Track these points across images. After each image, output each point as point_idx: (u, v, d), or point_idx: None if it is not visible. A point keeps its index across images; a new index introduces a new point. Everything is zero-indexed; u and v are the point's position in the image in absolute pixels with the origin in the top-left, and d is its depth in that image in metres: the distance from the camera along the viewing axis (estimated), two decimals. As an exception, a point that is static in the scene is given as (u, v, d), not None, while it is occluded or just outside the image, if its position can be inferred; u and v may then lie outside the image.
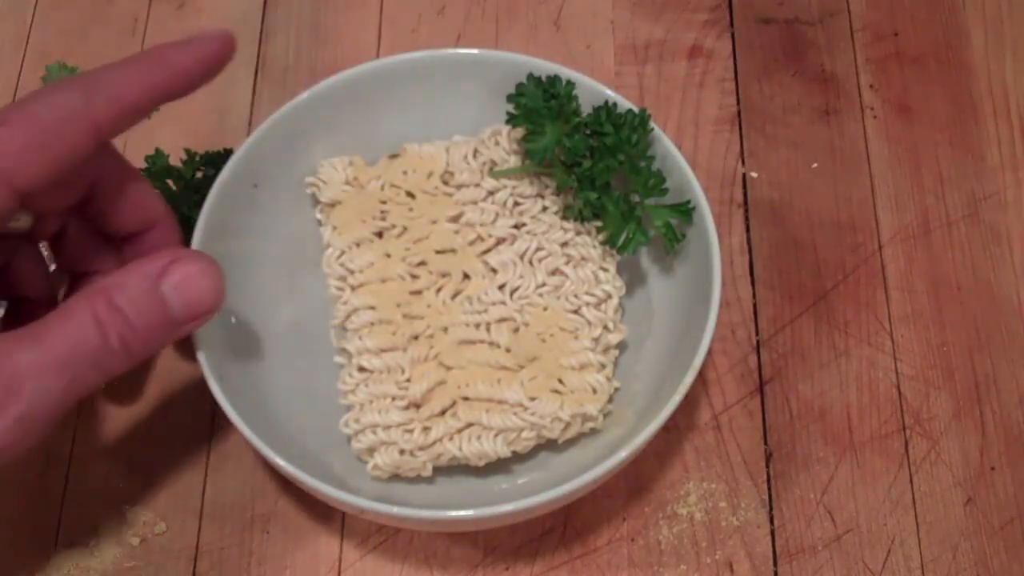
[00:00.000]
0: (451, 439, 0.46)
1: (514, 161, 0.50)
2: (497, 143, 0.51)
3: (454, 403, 0.46)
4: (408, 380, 0.46)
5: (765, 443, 0.52)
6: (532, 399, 0.46)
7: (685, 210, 0.47)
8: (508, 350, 0.47)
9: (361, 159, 0.51)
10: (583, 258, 0.49)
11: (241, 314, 0.48)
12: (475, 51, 0.51)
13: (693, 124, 0.60)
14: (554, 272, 0.49)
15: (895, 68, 0.62)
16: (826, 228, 0.57)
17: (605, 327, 0.48)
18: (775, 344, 0.54)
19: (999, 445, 0.52)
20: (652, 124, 0.48)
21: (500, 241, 0.49)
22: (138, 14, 0.63)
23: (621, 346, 0.49)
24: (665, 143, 0.48)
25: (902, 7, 0.64)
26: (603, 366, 0.47)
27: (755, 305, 0.55)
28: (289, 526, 0.50)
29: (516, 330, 0.47)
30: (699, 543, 0.49)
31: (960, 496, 0.51)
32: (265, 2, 0.64)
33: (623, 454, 0.42)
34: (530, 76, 0.49)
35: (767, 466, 0.51)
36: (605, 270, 0.48)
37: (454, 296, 0.48)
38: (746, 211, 0.57)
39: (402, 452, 0.46)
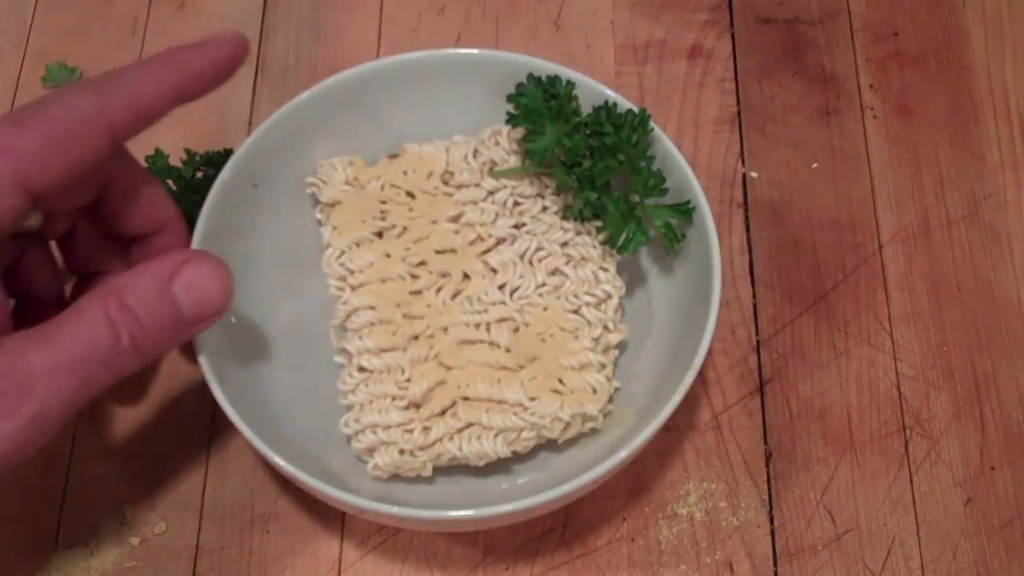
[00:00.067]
0: (451, 439, 0.46)
1: (514, 161, 0.50)
2: (497, 143, 0.51)
3: (454, 403, 0.46)
4: (408, 380, 0.46)
5: (765, 443, 0.52)
6: (532, 399, 0.46)
7: (685, 210, 0.47)
8: (508, 350, 0.47)
9: (361, 159, 0.51)
10: (583, 258, 0.49)
11: (241, 314, 0.48)
12: (475, 51, 0.51)
13: (693, 124, 0.60)
14: (554, 272, 0.48)
15: (895, 68, 0.62)
16: (826, 228, 0.57)
17: (605, 327, 0.48)
18: (775, 344, 0.54)
19: (999, 445, 0.52)
20: (652, 124, 0.48)
21: (500, 241, 0.49)
22: (138, 14, 0.63)
23: (621, 346, 0.49)
24: (665, 143, 0.48)
25: (902, 7, 0.63)
26: (603, 366, 0.47)
27: (755, 305, 0.55)
28: (289, 526, 0.50)
29: (516, 330, 0.47)
30: (699, 543, 0.49)
31: (960, 496, 0.51)
32: (265, 2, 0.64)
33: (623, 454, 0.42)
34: (530, 76, 0.49)
35: (767, 466, 0.51)
36: (605, 270, 0.48)
37: (454, 296, 0.48)
38: (746, 211, 0.57)
39: (402, 452, 0.46)
